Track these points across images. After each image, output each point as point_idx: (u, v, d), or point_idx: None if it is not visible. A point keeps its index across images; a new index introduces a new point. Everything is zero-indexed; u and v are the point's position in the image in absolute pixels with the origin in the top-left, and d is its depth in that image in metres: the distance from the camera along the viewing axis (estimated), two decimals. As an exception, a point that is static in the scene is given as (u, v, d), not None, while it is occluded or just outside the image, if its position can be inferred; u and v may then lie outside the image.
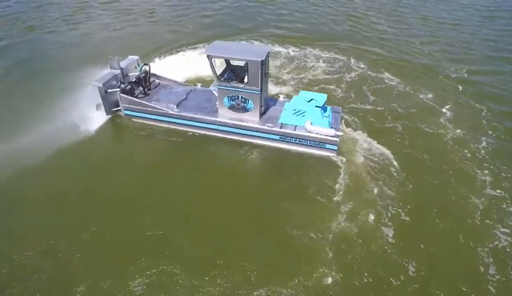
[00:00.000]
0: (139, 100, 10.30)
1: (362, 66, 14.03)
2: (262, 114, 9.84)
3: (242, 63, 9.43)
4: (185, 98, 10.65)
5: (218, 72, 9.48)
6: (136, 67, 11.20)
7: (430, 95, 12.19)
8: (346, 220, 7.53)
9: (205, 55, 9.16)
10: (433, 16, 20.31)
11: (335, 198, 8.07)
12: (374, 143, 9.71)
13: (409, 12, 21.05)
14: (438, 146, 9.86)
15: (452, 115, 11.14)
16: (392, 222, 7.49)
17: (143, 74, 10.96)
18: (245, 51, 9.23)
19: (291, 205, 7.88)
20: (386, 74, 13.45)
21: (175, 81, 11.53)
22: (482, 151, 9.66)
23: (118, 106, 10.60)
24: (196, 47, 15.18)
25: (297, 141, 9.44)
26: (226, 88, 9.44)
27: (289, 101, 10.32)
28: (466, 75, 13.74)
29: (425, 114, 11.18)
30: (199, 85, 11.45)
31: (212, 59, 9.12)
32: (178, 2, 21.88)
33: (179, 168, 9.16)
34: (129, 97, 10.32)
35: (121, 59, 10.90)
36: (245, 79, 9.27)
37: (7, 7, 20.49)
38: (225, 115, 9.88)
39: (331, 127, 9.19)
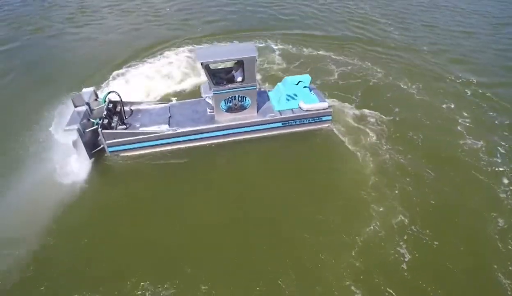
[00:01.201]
0: (127, 131, 9.19)
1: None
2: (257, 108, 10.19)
3: (229, 64, 9.49)
4: (171, 116, 10.01)
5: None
6: (97, 99, 9.82)
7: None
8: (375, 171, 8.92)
9: (199, 63, 8.88)
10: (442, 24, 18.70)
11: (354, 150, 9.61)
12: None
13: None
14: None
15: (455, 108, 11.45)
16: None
17: (111, 105, 9.74)
18: (235, 50, 9.30)
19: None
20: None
21: (148, 103, 10.58)
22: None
23: (97, 146, 9.20)
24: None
25: (297, 123, 10.23)
26: (223, 92, 9.38)
27: (272, 90, 10.97)
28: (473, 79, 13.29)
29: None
30: (174, 100, 10.84)
31: (206, 66, 8.91)
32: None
33: (197, 194, 8.44)
34: (114, 131, 9.08)
35: (78, 93, 9.41)
36: (239, 78, 9.41)
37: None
38: (224, 119, 9.81)
39: (324, 103, 10.31)
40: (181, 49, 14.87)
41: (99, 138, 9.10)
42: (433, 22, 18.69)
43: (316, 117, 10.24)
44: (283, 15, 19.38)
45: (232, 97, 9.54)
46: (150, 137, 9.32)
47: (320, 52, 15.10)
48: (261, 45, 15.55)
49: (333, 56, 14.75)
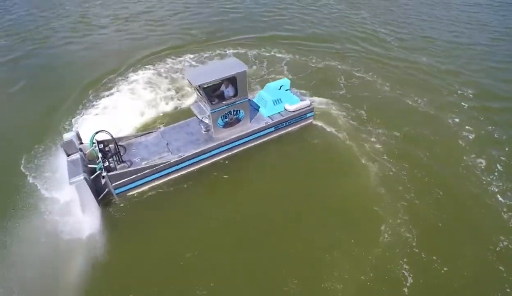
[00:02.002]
0: (132, 169, 8.72)
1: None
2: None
3: (216, 81, 9.71)
4: (168, 143, 9.79)
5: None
6: (82, 143, 9.06)
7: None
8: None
9: (196, 87, 8.92)
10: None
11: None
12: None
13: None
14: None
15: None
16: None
17: (101, 145, 9.10)
18: (225, 67, 9.54)
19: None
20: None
21: (135, 135, 10.07)
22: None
23: (102, 191, 8.54)
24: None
25: (287, 124, 11.00)
26: (219, 109, 9.58)
27: (254, 97, 11.51)
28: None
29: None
30: (162, 126, 10.55)
31: (202, 87, 9.00)
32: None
33: (213, 215, 8.46)
34: (119, 172, 8.53)
35: (69, 140, 8.68)
36: (230, 93, 9.72)
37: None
38: (222, 135, 10.01)
39: (302, 99, 11.28)
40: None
41: (103, 183, 8.45)
42: (432, 34, 18.70)
43: (302, 115, 11.16)
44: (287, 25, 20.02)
45: (228, 112, 9.80)
46: (157, 169, 9.01)
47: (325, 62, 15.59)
48: (267, 54, 16.23)
49: (339, 66, 15.27)
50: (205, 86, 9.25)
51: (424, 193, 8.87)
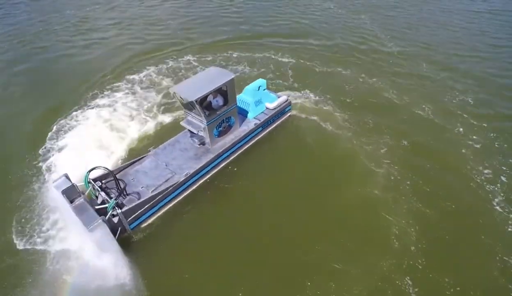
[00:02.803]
0: (143, 199, 8.23)
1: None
2: None
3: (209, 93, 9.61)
4: (166, 164, 9.44)
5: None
6: (74, 185, 8.22)
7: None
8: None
9: (193, 101, 8.75)
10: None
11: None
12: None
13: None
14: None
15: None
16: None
17: (98, 183, 8.40)
18: (212, 78, 9.49)
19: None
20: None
21: (127, 164, 9.42)
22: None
23: (116, 230, 7.93)
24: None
25: (272, 121, 11.51)
26: (215, 119, 9.56)
27: None
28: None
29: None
30: (151, 149, 10.05)
31: (198, 101, 8.89)
32: None
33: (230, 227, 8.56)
34: (131, 206, 7.99)
35: (71, 185, 7.93)
36: (219, 102, 9.78)
37: None
38: (218, 144, 10.04)
39: (279, 96, 11.88)
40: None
41: (116, 222, 7.84)
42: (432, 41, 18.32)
43: (283, 110, 11.76)
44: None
45: (220, 121, 9.85)
46: (167, 193, 8.68)
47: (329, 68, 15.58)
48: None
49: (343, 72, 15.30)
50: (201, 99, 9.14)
51: (430, 203, 8.89)
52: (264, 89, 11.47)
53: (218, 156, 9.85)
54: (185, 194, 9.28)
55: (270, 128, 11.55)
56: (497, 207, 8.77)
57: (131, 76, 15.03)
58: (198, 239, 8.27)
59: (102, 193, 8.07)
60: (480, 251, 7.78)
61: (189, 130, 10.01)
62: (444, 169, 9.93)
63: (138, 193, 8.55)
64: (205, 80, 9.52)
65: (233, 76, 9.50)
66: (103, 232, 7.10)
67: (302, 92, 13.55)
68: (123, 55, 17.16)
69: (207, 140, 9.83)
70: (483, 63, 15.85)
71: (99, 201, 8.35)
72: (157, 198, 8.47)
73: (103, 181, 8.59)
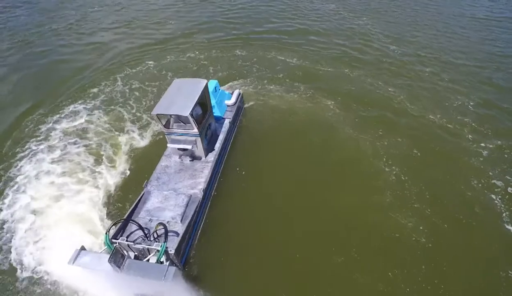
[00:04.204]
0: (182, 232, 7.72)
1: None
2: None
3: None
4: (173, 190, 8.91)
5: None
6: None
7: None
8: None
9: (187, 116, 8.52)
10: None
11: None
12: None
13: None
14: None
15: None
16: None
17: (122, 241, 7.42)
18: (188, 88, 9.27)
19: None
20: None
21: (133, 206, 8.34)
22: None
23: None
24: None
25: (237, 115, 12.09)
26: (203, 129, 9.45)
27: None
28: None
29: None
30: (146, 183, 9.09)
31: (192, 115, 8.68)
32: None
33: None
34: (176, 243, 7.40)
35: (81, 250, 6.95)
36: (198, 110, 9.66)
37: None
38: (208, 153, 10.02)
39: (231, 92, 12.42)
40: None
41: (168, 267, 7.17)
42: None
43: (241, 104, 12.37)
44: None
45: (207, 129, 9.82)
46: (196, 217, 8.36)
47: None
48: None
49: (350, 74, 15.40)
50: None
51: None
52: (219, 89, 11.75)
53: (216, 162, 9.88)
54: (207, 208, 9.11)
55: (238, 122, 12.03)
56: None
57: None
58: (242, 245, 8.45)
59: (137, 246, 7.20)
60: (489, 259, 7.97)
61: (178, 149, 9.56)
62: (453, 175, 10.08)
63: (167, 228, 7.91)
64: (182, 92, 9.21)
65: (206, 82, 9.52)
66: (175, 277, 6.56)
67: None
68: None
69: (200, 152, 9.66)
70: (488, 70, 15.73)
71: (132, 256, 7.40)
72: (191, 226, 8.11)
73: (125, 236, 7.57)
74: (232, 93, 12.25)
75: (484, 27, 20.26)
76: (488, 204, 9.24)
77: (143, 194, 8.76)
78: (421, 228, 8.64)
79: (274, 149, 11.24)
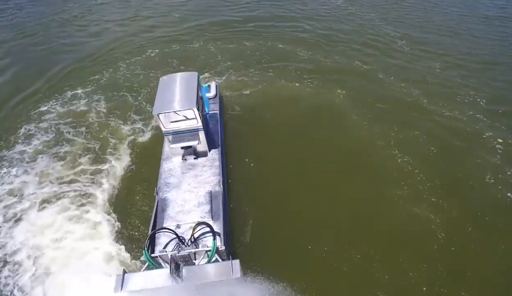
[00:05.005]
0: (222, 226, 7.52)
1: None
2: None
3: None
4: (190, 191, 8.41)
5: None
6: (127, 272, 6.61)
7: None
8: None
9: (193, 109, 8.19)
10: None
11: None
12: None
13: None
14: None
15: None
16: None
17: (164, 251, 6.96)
18: (182, 82, 8.91)
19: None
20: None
21: (154, 216, 7.79)
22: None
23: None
24: None
25: (221, 105, 11.73)
26: (204, 122, 9.03)
27: None
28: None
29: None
30: (156, 189, 8.55)
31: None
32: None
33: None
34: (221, 240, 7.20)
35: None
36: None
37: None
38: (211, 144, 9.62)
39: (207, 84, 11.94)
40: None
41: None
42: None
43: (220, 95, 11.98)
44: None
45: (205, 120, 9.49)
46: (224, 211, 8.00)
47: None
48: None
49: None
50: None
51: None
52: (200, 82, 11.25)
53: (222, 154, 9.46)
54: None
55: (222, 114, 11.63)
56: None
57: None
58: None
59: (181, 253, 6.66)
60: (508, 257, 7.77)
61: (182, 148, 9.02)
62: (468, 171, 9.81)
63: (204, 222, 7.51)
64: (178, 87, 8.79)
65: (197, 74, 9.25)
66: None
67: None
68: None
69: (204, 146, 9.14)
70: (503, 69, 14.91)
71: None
72: (224, 218, 7.75)
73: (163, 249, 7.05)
74: (209, 86, 11.83)
75: (494, 25, 19.36)
76: (505, 201, 8.95)
77: (158, 202, 8.16)
78: (438, 221, 8.39)
79: (282, 138, 10.98)
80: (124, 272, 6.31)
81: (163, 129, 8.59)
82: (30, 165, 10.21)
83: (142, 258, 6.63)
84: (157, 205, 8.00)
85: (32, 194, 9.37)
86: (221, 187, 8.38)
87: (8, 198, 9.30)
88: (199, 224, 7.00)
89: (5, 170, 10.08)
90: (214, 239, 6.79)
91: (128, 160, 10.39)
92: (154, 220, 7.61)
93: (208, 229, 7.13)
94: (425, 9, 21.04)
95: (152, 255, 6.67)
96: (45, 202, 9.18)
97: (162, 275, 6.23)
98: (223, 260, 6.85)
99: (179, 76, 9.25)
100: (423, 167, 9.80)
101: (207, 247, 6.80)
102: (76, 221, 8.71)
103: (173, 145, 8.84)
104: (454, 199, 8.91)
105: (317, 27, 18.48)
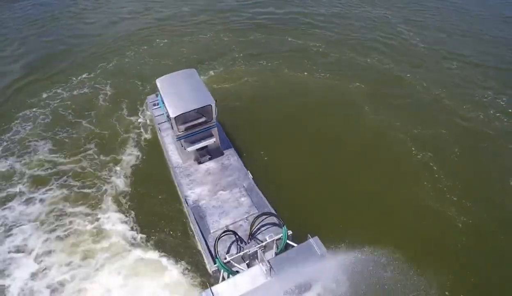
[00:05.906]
0: (275, 213, 7.22)
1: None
2: None
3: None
4: (223, 190, 8.08)
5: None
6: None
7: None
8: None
9: (210, 105, 8.01)
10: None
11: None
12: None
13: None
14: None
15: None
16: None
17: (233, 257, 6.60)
18: (185, 79, 8.80)
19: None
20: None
21: (196, 222, 7.44)
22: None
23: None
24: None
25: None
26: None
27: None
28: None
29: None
30: (187, 202, 8.06)
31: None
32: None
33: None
34: (284, 226, 6.84)
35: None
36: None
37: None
38: (223, 141, 9.35)
39: None
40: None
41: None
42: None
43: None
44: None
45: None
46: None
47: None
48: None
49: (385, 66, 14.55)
50: None
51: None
52: None
53: (236, 150, 9.09)
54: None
55: None
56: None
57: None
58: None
59: (251, 250, 6.46)
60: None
61: (197, 150, 8.59)
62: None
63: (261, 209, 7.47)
64: (184, 86, 8.49)
65: (194, 69, 9.12)
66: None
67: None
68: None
69: (217, 143, 8.77)
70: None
71: (242, 267, 6.52)
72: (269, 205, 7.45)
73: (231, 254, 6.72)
74: None
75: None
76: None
77: (192, 212, 7.71)
78: (463, 219, 8.21)
79: (296, 130, 10.91)
80: (209, 286, 5.84)
81: (176, 134, 8.10)
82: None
83: (213, 268, 6.26)
84: (194, 215, 7.51)
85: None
86: (250, 178, 8.13)
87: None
88: (257, 217, 6.87)
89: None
90: (284, 224, 6.69)
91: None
92: (199, 229, 7.16)
93: (263, 221, 6.96)
94: (443, 10, 20.28)
95: (225, 261, 6.28)
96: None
97: (250, 275, 5.89)
98: (293, 244, 6.55)
99: (179, 75, 8.98)
100: (444, 166, 9.56)
101: (273, 236, 6.58)
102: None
103: (189, 149, 8.31)
104: (479, 201, 8.63)
105: (331, 22, 18.13)
